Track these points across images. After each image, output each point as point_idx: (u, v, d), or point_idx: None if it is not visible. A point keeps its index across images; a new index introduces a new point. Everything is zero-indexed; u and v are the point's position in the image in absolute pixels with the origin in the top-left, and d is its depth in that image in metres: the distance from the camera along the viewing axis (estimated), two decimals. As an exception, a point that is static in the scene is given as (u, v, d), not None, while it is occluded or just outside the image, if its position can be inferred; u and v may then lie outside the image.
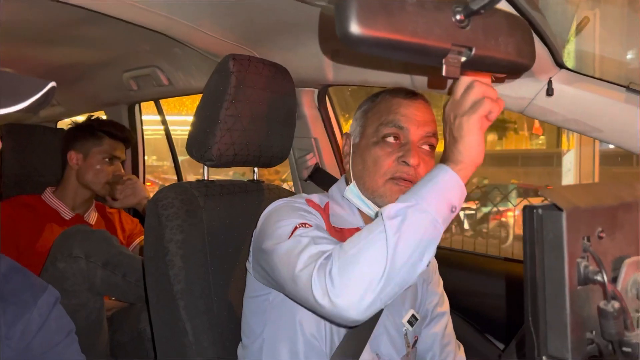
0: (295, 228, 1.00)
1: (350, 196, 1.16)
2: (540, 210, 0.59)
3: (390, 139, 1.12)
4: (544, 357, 0.59)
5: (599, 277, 0.58)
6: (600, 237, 0.61)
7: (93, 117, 2.15)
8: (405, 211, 0.86)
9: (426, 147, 1.13)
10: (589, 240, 0.60)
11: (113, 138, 2.05)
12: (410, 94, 1.16)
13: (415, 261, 0.86)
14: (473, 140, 0.87)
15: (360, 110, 1.21)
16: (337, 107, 1.97)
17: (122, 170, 2.08)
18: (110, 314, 1.92)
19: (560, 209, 0.58)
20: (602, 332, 0.59)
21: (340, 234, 1.16)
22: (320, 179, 1.87)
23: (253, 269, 1.17)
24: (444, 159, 0.90)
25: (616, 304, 0.57)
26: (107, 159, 2.03)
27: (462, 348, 1.32)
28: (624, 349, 0.58)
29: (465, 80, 0.89)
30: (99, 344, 1.74)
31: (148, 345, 1.78)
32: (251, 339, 1.18)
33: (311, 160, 1.89)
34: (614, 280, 0.61)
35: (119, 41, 1.85)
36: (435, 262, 1.35)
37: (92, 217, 2.10)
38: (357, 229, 1.17)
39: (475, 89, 0.86)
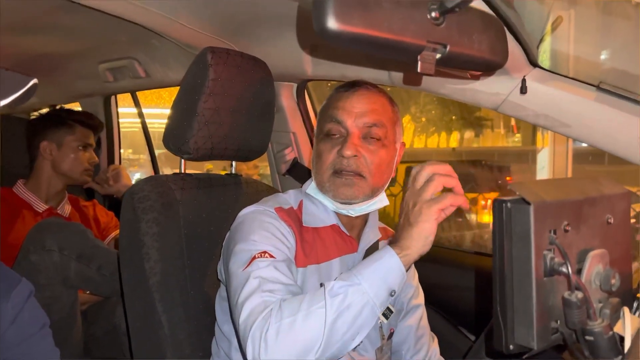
0: (254, 258, 1.01)
1: (312, 192, 1.18)
2: (509, 204, 0.61)
3: (332, 133, 1.13)
4: (511, 346, 0.61)
5: (564, 269, 0.61)
6: (566, 230, 0.63)
7: (57, 107, 2.15)
8: (346, 290, 0.89)
9: (370, 138, 1.12)
10: (555, 233, 0.62)
11: (84, 126, 2.05)
12: (352, 86, 1.15)
13: (348, 340, 0.89)
14: (427, 229, 0.90)
15: (320, 110, 1.22)
16: (317, 103, 1.98)
17: (96, 158, 2.10)
18: (85, 308, 1.90)
19: (528, 203, 0.60)
20: (566, 322, 0.61)
21: (315, 233, 1.17)
22: (299, 174, 1.87)
23: (221, 272, 1.18)
24: (393, 241, 0.94)
25: (580, 295, 0.60)
26: (81, 147, 2.03)
27: (436, 340, 1.34)
28: (587, 337, 0.61)
29: (427, 171, 0.93)
30: (73, 338, 1.72)
31: (123, 339, 1.76)
32: (222, 337, 1.19)
33: (290, 155, 1.89)
34: (579, 271, 0.63)
35: (94, 31, 1.82)
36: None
37: (66, 209, 2.07)
38: (332, 226, 1.18)
39: (435, 181, 0.91)
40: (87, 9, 1.41)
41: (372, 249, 1.21)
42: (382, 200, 1.18)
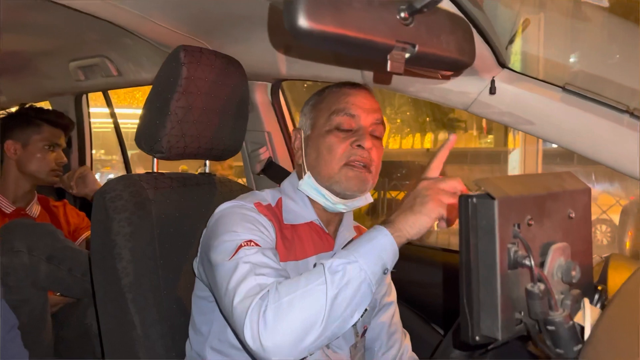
0: (240, 247, 1.00)
1: (306, 188, 1.18)
2: (474, 199, 0.63)
3: (343, 127, 1.15)
4: (477, 337, 0.63)
5: (527, 262, 0.63)
6: (529, 225, 0.65)
7: (27, 106, 2.10)
8: (345, 267, 0.89)
9: (375, 134, 1.17)
10: (519, 227, 0.64)
11: (52, 125, 2.01)
12: (356, 85, 1.20)
13: (347, 317, 0.89)
14: (424, 222, 0.91)
15: (308, 105, 1.23)
16: (292, 103, 1.98)
17: (65, 158, 2.05)
18: (56, 310, 1.86)
19: (493, 198, 0.62)
20: (529, 312, 0.63)
21: (293, 230, 1.18)
22: (274, 173, 1.88)
23: (198, 271, 1.17)
24: (387, 221, 0.94)
25: (542, 286, 0.62)
26: (47, 147, 1.98)
27: (408, 336, 1.36)
28: (549, 327, 0.63)
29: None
30: (43, 341, 1.69)
31: (95, 341, 1.74)
32: (198, 336, 1.19)
33: (264, 154, 1.90)
34: (542, 264, 0.66)
35: (65, 29, 1.79)
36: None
37: (35, 210, 2.03)
38: (310, 224, 1.19)
39: (453, 181, 0.93)
40: (58, 7, 1.39)
41: (347, 247, 1.23)
42: (367, 198, 1.20)
